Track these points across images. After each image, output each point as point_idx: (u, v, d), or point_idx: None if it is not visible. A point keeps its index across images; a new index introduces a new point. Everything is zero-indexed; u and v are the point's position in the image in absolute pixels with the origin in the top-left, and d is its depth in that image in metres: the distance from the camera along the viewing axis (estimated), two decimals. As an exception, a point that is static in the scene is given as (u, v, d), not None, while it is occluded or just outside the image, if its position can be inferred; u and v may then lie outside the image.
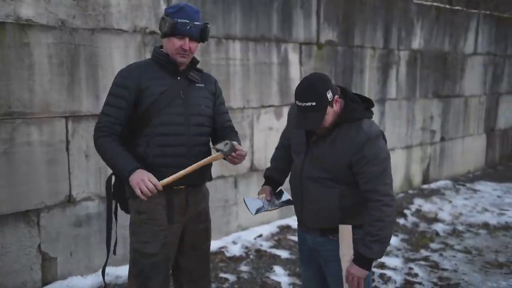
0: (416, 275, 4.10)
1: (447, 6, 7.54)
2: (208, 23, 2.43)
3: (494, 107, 8.46)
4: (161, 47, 2.47)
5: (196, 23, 2.33)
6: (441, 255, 4.57)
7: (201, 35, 2.38)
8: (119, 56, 3.82)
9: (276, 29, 4.98)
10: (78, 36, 3.60)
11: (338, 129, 2.25)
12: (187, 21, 2.31)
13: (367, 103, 2.36)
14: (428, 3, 7.27)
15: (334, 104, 2.21)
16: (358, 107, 2.29)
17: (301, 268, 2.68)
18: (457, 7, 7.81)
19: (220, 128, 2.58)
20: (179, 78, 2.42)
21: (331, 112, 2.21)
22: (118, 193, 2.49)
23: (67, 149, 3.62)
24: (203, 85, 2.50)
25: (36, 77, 3.42)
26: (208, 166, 2.49)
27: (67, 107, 3.59)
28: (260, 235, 4.83)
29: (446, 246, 4.82)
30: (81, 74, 3.64)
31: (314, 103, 2.15)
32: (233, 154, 2.32)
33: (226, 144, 2.31)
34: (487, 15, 8.11)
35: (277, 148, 2.70)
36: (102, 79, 3.73)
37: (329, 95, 2.17)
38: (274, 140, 5.25)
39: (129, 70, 2.40)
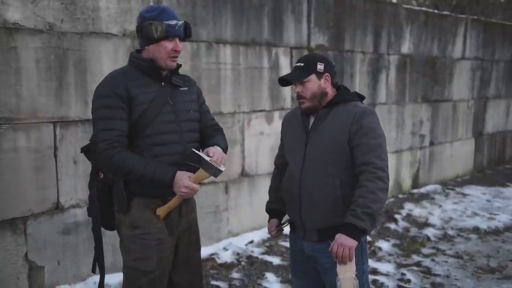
0: (408, 281, 4.08)
1: (436, 11, 7.58)
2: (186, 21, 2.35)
3: (482, 111, 8.51)
4: (138, 51, 2.34)
5: (180, 21, 2.26)
6: (433, 260, 4.56)
7: (186, 33, 2.30)
8: (108, 60, 3.76)
9: (267, 34, 4.95)
10: (67, 40, 3.53)
11: (335, 109, 2.36)
12: (175, 21, 2.23)
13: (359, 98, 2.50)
14: (417, 8, 7.30)
15: (321, 78, 2.36)
16: (351, 92, 2.48)
17: (294, 279, 2.63)
18: (445, 12, 7.86)
19: (204, 128, 2.47)
20: (163, 83, 2.31)
21: (316, 84, 2.34)
22: (105, 208, 2.34)
23: (55, 155, 3.54)
24: (186, 88, 2.41)
25: (23, 82, 3.34)
26: None
27: (55, 112, 3.52)
28: (251, 241, 4.78)
29: (438, 251, 4.81)
30: (69, 78, 3.57)
31: (302, 64, 2.37)
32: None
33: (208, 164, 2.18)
34: (475, 20, 8.17)
35: (273, 177, 2.69)
36: (91, 84, 3.65)
37: (320, 66, 2.35)
38: (265, 145, 5.25)
39: (115, 79, 2.26)
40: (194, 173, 2.19)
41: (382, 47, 6.39)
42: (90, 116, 3.66)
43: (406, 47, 6.77)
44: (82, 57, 3.62)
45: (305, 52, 5.35)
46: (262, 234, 4.97)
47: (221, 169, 2.18)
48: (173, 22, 2.22)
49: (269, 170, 5.09)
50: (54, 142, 3.53)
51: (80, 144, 3.65)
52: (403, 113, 6.87)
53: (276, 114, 5.14)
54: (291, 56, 5.23)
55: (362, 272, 2.37)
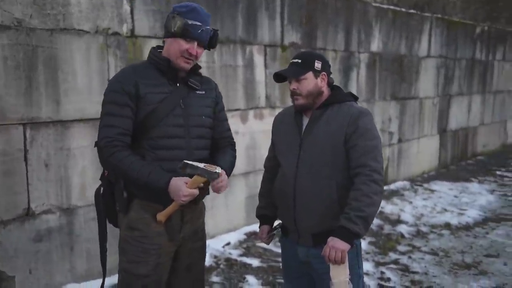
0: (388, 279, 4.09)
1: (403, 9, 7.66)
2: (218, 30, 2.26)
3: (446, 108, 8.69)
4: (159, 47, 2.27)
5: (207, 27, 2.17)
6: (409, 257, 4.59)
7: (210, 42, 2.21)
8: (80, 58, 3.58)
9: (241, 31, 4.86)
10: (36, 37, 3.34)
11: (330, 109, 2.30)
12: (199, 24, 2.13)
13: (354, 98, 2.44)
14: (385, 6, 7.36)
15: (319, 76, 2.29)
16: (345, 93, 2.42)
17: (286, 284, 2.55)
18: (412, 11, 7.96)
19: (218, 138, 2.38)
20: (178, 85, 2.21)
21: (312, 82, 2.28)
22: (108, 205, 2.26)
23: (25, 159, 3.35)
24: (204, 92, 2.30)
25: (-10, 81, 3.14)
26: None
27: (24, 113, 3.32)
28: (228, 243, 4.68)
29: (413, 248, 4.85)
30: (39, 77, 3.38)
31: (300, 61, 2.31)
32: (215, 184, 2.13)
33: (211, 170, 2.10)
34: (439, 18, 8.32)
35: (263, 181, 2.60)
36: (63, 83, 3.48)
37: (317, 64, 2.29)
38: (240, 145, 5.14)
39: (126, 75, 2.17)
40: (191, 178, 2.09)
41: (353, 45, 6.40)
42: (61, 117, 3.54)
43: (375, 45, 6.82)
44: (52, 54, 3.43)
45: (279, 50, 5.30)
46: (238, 235, 4.88)
47: (217, 171, 2.09)
48: (196, 24, 2.13)
49: (244, 170, 5.01)
50: (24, 144, 3.33)
51: (52, 147, 3.48)
52: (373, 110, 6.90)
53: (251, 113, 5.06)
54: (265, 54, 5.15)
55: (358, 276, 2.33)
